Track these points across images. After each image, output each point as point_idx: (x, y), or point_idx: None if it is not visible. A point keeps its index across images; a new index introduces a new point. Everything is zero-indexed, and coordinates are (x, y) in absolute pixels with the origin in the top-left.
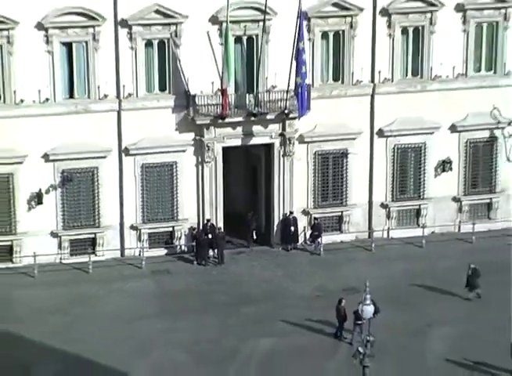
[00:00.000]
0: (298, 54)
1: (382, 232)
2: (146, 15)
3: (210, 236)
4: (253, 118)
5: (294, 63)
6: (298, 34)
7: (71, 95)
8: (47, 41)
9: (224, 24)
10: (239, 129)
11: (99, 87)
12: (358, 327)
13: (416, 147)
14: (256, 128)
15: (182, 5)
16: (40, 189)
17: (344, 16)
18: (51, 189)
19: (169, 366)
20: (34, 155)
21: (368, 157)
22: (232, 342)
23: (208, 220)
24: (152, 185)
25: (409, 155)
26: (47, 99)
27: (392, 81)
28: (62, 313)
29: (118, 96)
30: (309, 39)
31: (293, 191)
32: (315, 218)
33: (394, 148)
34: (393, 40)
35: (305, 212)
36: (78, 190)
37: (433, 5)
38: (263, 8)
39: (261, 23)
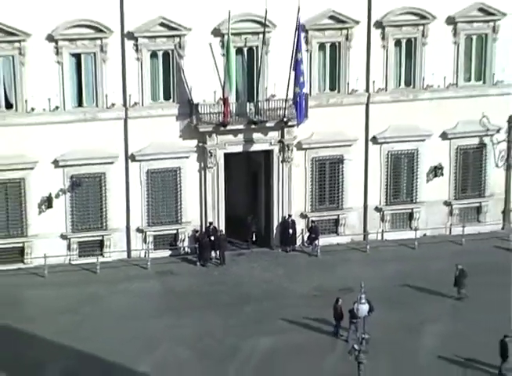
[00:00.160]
0: (296, 65)
1: (376, 234)
2: (151, 27)
3: (212, 238)
4: (253, 126)
5: (293, 73)
6: (296, 45)
7: (80, 104)
8: (57, 53)
9: (225, 36)
10: (240, 136)
11: (106, 96)
12: (353, 325)
13: (409, 154)
14: (256, 136)
15: (185, 18)
16: (50, 194)
17: (340, 29)
18: (60, 193)
19: (173, 362)
20: (45, 161)
21: (363, 163)
22: (234, 340)
23: (210, 223)
24: (157, 189)
25: (402, 161)
26: (57, 108)
27: (386, 90)
28: (71, 312)
29: (125, 105)
30: (307, 50)
31: (292, 195)
32: (312, 221)
33: (387, 154)
34: (387, 51)
35: (303, 215)
36: (87, 195)
37: (425, 18)
38: (263, 21)
39: (260, 36)
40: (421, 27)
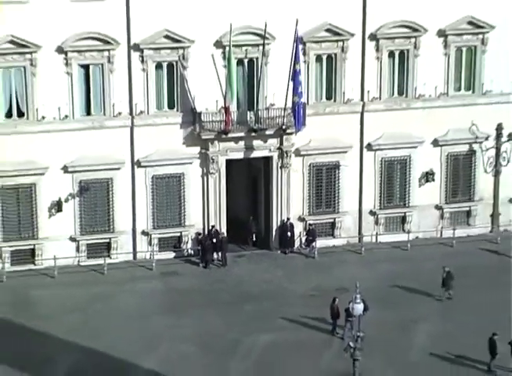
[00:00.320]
0: (295, 75)
1: (371, 237)
2: (156, 40)
3: (214, 240)
4: (253, 133)
5: (291, 83)
6: (295, 57)
7: (88, 113)
8: (66, 64)
9: (227, 48)
10: (241, 143)
11: (113, 105)
12: (349, 323)
13: (402, 160)
14: (256, 143)
15: (188, 30)
16: (60, 198)
17: (336, 41)
18: (70, 197)
19: (177, 357)
20: (55, 167)
21: (358, 169)
22: (235, 336)
23: (213, 226)
24: (161, 194)
25: (395, 167)
26: (66, 116)
27: (380, 99)
28: (80, 311)
29: (131, 113)
30: (304, 62)
31: (290, 199)
32: (309, 224)
33: (381, 160)
34: (381, 62)
35: (301, 219)
36: (94, 199)
37: (417, 30)
38: (263, 33)
39: (260, 47)
40: (413, 40)
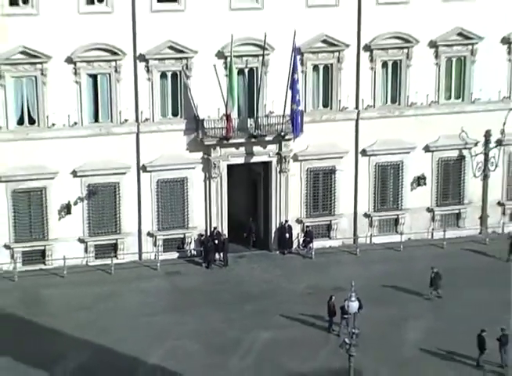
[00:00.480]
0: (293, 84)
1: (365, 238)
2: (161, 50)
3: (216, 241)
4: (253, 140)
5: (289, 91)
6: (293, 66)
7: (96, 120)
8: (75, 73)
9: (228, 58)
10: (242, 149)
11: (120, 112)
12: (344, 320)
13: (395, 165)
14: (256, 148)
15: (192, 41)
16: (69, 201)
17: (333, 52)
18: (78, 201)
19: (181, 353)
20: (64, 171)
21: (353, 173)
22: (236, 333)
23: (215, 228)
24: (166, 197)
25: (388, 171)
26: (75, 123)
27: (374, 107)
28: (88, 309)
29: (137, 121)
30: (302, 71)
31: (289, 202)
32: (307, 226)
33: (375, 165)
34: (374, 72)
35: (299, 221)
36: (102, 202)
37: (409, 41)
38: (262, 44)
39: (260, 58)
40: (406, 50)
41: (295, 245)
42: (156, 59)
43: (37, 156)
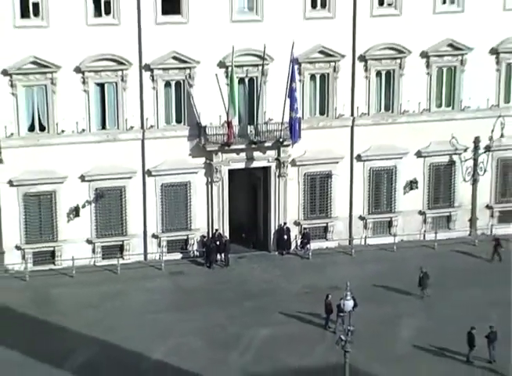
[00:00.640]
0: (291, 92)
1: (360, 239)
2: (165, 60)
3: (218, 243)
4: (253, 145)
5: (288, 100)
6: (291, 76)
7: (103, 127)
8: (84, 82)
9: (229, 68)
10: (242, 154)
11: (126, 120)
12: (340, 318)
13: (388, 169)
14: (256, 154)
15: (194, 52)
16: (77, 204)
17: (329, 62)
18: (86, 204)
19: (184, 349)
20: (73, 176)
21: (348, 178)
22: (237, 330)
23: (216, 230)
24: (169, 201)
25: (382, 176)
26: (83, 130)
27: (368, 114)
28: (96, 307)
29: (142, 127)
30: (300, 80)
31: (287, 205)
32: (304, 228)
33: (370, 170)
34: (369, 81)
35: (297, 223)
36: (109, 205)
37: (402, 52)
38: (262, 55)
39: (260, 68)
40: (398, 60)
41: (293, 246)
42: (160, 68)
43: (47, 161)
